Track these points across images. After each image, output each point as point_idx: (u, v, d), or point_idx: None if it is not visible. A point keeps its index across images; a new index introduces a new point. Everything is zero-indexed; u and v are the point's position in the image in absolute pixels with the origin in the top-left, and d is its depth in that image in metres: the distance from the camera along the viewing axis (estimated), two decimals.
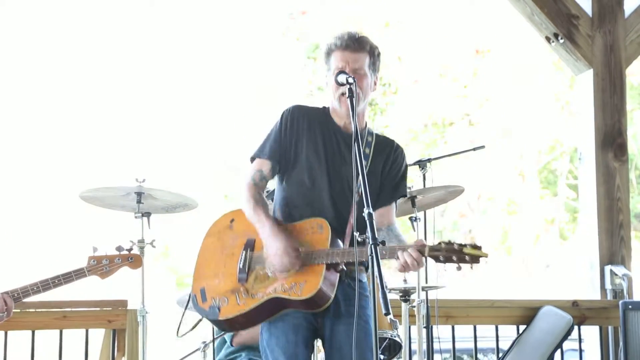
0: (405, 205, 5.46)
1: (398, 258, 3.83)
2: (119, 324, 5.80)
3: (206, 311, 4.04)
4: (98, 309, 5.86)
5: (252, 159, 4.22)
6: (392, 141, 4.35)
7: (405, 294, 5.44)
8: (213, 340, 5.23)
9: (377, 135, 4.35)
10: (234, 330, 4.12)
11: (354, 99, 3.90)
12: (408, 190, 5.38)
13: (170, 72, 15.04)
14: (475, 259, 3.80)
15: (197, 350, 5.06)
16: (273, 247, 3.97)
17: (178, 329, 4.69)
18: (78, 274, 4.46)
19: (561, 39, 6.63)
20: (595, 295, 6.51)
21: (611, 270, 6.44)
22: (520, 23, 7.05)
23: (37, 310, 5.73)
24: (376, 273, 3.49)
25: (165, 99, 15.05)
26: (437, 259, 3.84)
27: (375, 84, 4.23)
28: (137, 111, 14.92)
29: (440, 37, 15.34)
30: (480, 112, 15.74)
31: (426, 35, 15.36)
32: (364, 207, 3.67)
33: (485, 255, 3.81)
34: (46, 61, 14.44)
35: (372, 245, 3.56)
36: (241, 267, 4.04)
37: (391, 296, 5.35)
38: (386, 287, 3.51)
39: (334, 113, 4.23)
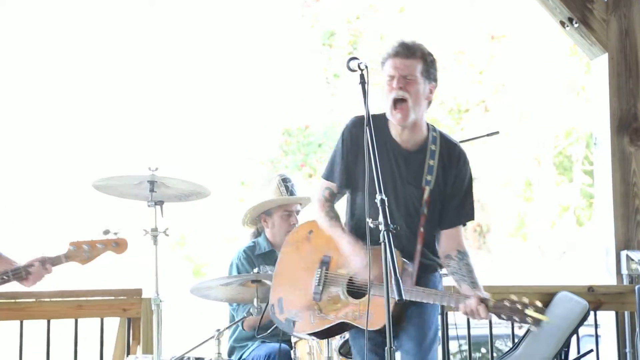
0: None
1: (456, 306, 4.05)
2: (134, 313, 5.80)
3: (282, 323, 4.36)
4: (113, 297, 5.86)
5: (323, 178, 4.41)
6: (456, 146, 4.33)
7: None
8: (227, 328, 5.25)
9: (442, 142, 4.30)
10: None
11: (366, 86, 3.82)
12: None
13: (183, 61, 15.05)
14: (536, 322, 3.93)
15: (211, 338, 5.05)
16: (354, 260, 4.16)
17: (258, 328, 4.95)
18: (54, 261, 4.46)
19: (576, 23, 6.58)
20: (611, 281, 6.48)
21: (627, 256, 6.40)
22: (535, 8, 7.00)
23: (52, 299, 5.74)
24: (389, 259, 3.49)
25: (177, 87, 15.06)
26: (498, 316, 3.97)
27: (431, 92, 4.19)
28: (149, 100, 14.94)
29: (455, 22, 15.28)
30: (496, 98, 15.68)
31: (441, 21, 15.30)
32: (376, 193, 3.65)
33: (547, 319, 3.93)
34: (59, 54, 14.49)
35: (385, 232, 3.54)
36: (316, 284, 4.31)
37: None
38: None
39: (390, 123, 4.22)
